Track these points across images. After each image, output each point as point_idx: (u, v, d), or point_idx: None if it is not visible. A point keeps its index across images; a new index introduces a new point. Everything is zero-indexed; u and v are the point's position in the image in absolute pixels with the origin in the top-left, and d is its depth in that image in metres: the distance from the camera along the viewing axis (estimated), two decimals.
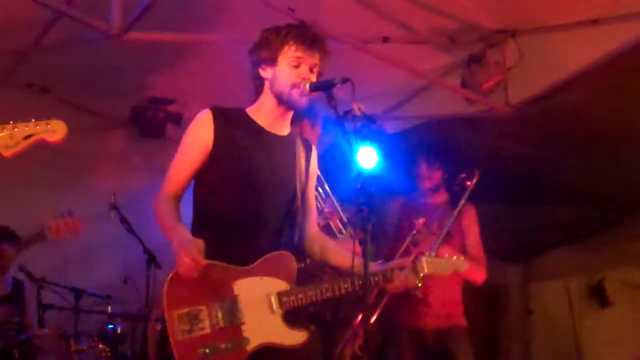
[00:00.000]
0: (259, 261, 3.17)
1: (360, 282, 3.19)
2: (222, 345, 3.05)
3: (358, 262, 3.09)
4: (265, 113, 3.36)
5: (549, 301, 9.19)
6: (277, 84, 3.29)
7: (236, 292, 3.12)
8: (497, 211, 5.33)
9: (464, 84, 5.87)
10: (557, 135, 6.27)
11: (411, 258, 3.49)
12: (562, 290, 9.09)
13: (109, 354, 5.89)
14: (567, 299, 9.05)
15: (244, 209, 3.21)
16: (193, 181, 3.32)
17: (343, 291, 3.23)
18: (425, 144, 5.83)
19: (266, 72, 3.32)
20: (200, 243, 2.98)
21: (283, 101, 3.30)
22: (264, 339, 3.09)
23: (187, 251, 2.94)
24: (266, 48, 3.31)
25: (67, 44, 5.16)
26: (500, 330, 9.04)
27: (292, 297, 3.15)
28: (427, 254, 3.57)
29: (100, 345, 5.88)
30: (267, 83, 3.34)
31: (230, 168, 3.25)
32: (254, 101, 3.41)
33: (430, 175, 5.43)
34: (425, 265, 3.47)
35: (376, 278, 3.32)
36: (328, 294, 3.21)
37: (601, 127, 6.02)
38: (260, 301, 3.15)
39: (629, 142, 6.20)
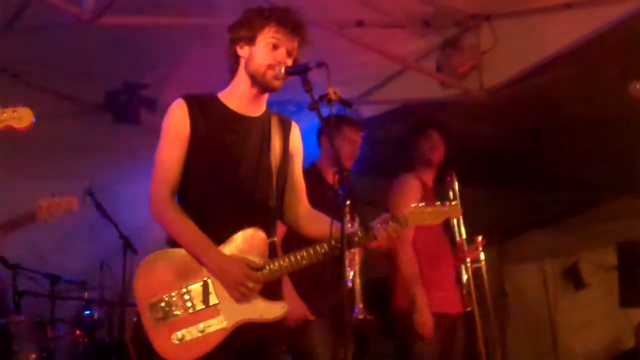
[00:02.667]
0: (227, 241, 3.15)
1: (338, 243, 3.00)
2: (199, 328, 3.06)
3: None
4: (239, 95, 3.30)
5: (524, 283, 9.28)
6: (252, 63, 3.24)
7: (206, 274, 3.12)
8: (472, 194, 5.34)
9: (438, 68, 5.90)
10: (532, 119, 6.32)
11: (390, 214, 3.28)
12: (537, 272, 9.19)
13: (86, 340, 5.87)
14: (542, 281, 9.16)
15: (221, 195, 3.19)
16: None
17: (321, 256, 3.15)
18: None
19: (243, 51, 3.27)
20: (245, 260, 3.10)
21: (256, 82, 3.25)
22: (241, 317, 3.08)
23: (243, 278, 3.06)
24: (246, 27, 3.26)
25: (40, 28, 5.10)
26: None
27: (266, 271, 3.12)
28: (412, 205, 3.36)
29: (77, 331, 5.87)
30: (242, 61, 3.29)
31: (206, 156, 3.21)
32: (228, 81, 3.35)
33: (441, 146, 5.21)
34: (409, 217, 3.30)
35: (356, 238, 3.19)
36: (304, 262, 3.15)
37: (575, 111, 6.06)
38: None
39: (603, 126, 6.25)
